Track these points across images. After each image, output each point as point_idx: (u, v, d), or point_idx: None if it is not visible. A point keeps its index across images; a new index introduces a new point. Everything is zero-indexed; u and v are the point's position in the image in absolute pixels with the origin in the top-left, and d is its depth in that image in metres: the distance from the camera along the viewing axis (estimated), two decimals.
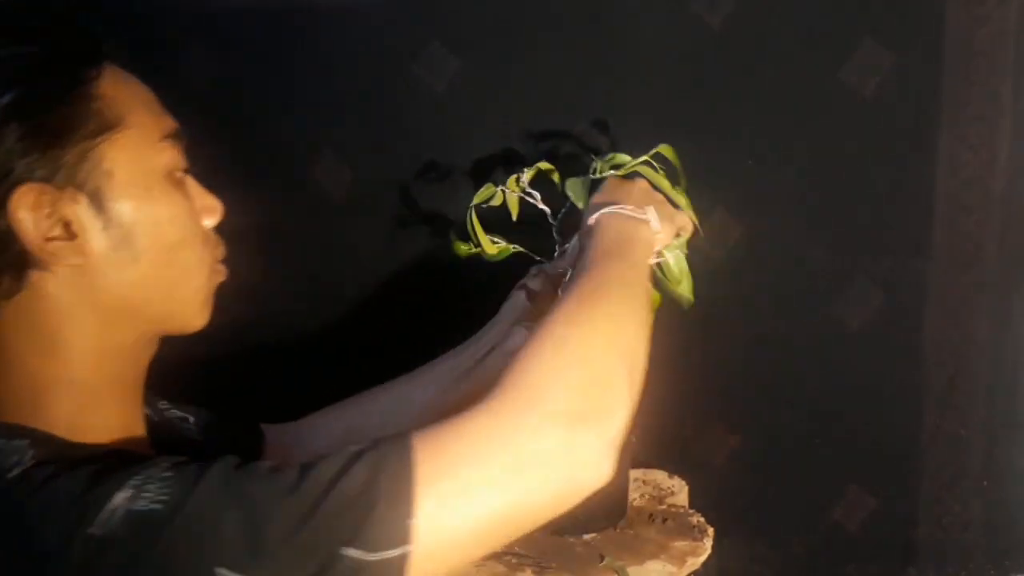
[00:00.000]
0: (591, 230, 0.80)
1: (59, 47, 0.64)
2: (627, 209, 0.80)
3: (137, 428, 0.71)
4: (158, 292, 0.67)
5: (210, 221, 0.72)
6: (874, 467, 1.17)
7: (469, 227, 0.91)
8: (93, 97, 0.64)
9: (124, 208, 0.64)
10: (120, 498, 0.55)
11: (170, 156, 0.67)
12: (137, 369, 0.71)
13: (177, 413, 0.84)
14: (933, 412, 1.14)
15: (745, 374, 1.16)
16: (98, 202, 0.63)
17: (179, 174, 0.69)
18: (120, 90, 0.66)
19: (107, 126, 0.64)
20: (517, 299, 0.92)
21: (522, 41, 1.13)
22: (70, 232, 0.63)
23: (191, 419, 0.84)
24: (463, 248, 0.94)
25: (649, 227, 0.81)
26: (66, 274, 0.63)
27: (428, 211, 1.18)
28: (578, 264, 0.76)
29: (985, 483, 1.15)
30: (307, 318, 1.25)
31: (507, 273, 0.95)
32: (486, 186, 0.92)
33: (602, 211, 0.80)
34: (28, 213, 0.61)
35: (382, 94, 1.17)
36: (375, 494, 0.56)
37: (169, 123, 0.69)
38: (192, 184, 0.71)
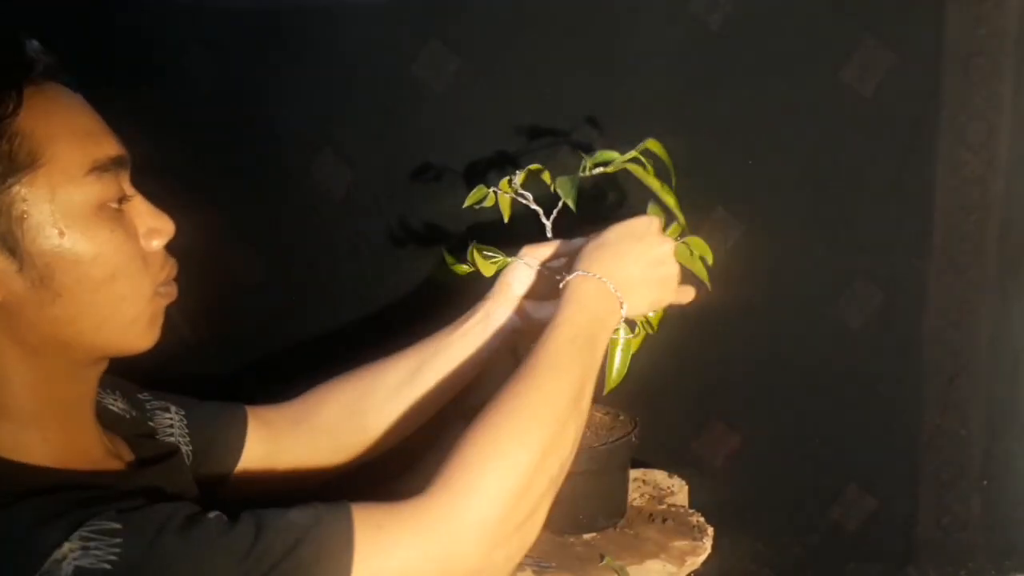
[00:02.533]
0: (564, 290, 0.80)
1: None
2: (602, 279, 0.79)
3: (83, 443, 0.70)
4: (87, 325, 0.65)
5: (157, 243, 0.69)
6: (874, 467, 1.17)
7: (471, 258, 0.92)
8: (5, 136, 0.60)
9: (40, 250, 0.62)
10: (67, 548, 0.55)
11: (98, 189, 0.64)
12: (81, 389, 0.69)
13: (157, 404, 0.83)
14: (933, 412, 1.14)
15: (745, 374, 1.16)
16: (11, 246, 0.61)
17: (114, 204, 0.65)
18: (41, 122, 0.62)
19: (20, 167, 0.60)
20: (505, 281, 0.93)
21: (522, 41, 1.13)
22: None
23: (172, 408, 0.84)
24: (462, 269, 0.94)
25: (619, 308, 0.80)
26: None
27: (427, 211, 1.18)
28: (549, 327, 0.76)
29: (985, 483, 1.15)
30: (307, 317, 1.25)
31: None
32: (478, 188, 0.93)
33: (575, 275, 0.80)
34: None
35: (382, 94, 1.17)
36: (318, 572, 0.59)
37: (104, 151, 0.65)
38: (137, 207, 0.68)
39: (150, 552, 0.56)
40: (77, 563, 0.55)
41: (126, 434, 0.76)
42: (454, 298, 0.95)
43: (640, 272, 0.82)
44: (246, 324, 1.24)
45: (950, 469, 1.16)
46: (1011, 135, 1.06)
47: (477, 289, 0.95)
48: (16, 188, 0.60)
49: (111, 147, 0.66)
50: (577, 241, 0.92)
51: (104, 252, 0.64)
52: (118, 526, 0.56)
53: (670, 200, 0.88)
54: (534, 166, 0.91)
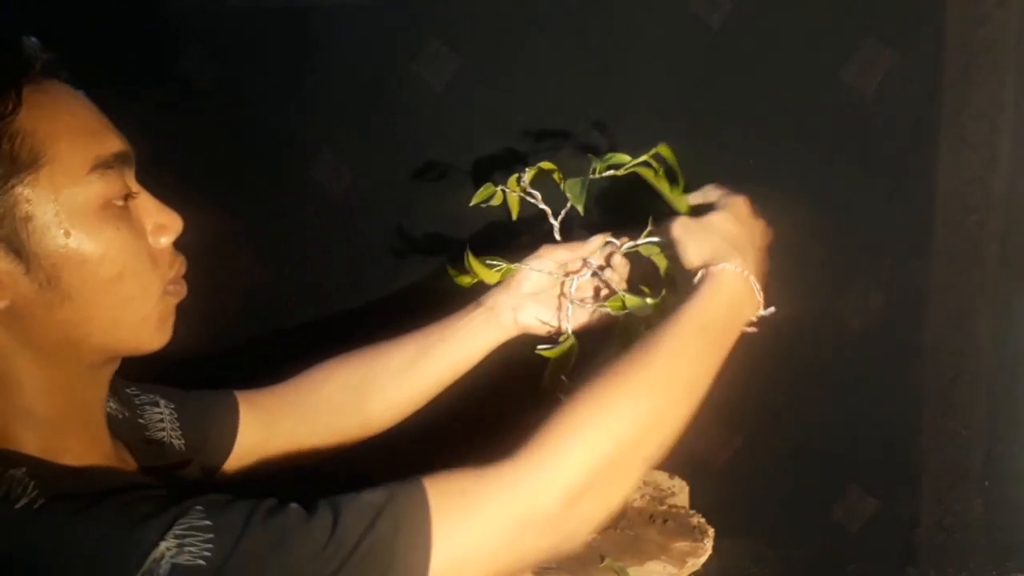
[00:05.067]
0: (704, 280, 0.77)
1: None
2: (751, 278, 0.78)
3: (104, 445, 0.70)
4: (97, 326, 0.64)
5: (165, 239, 0.68)
6: (875, 467, 1.17)
7: (467, 264, 0.91)
8: (5, 136, 0.59)
9: (46, 251, 0.61)
10: (163, 548, 0.56)
11: (101, 187, 0.63)
12: (95, 393, 0.69)
13: (145, 399, 0.82)
14: (934, 412, 1.14)
15: (745, 374, 1.16)
16: (16, 248, 0.60)
17: (119, 202, 0.64)
18: (42, 121, 0.61)
19: (21, 167, 0.59)
20: (516, 278, 0.92)
21: (522, 41, 1.13)
22: None
23: (161, 403, 0.83)
24: (466, 280, 0.93)
25: (756, 302, 0.79)
26: None
27: (428, 211, 1.18)
28: (678, 311, 0.74)
29: (986, 483, 1.15)
30: (306, 316, 1.24)
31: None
32: (485, 186, 0.92)
33: (725, 267, 0.77)
34: None
35: (382, 94, 1.17)
36: (397, 546, 0.60)
37: (106, 147, 0.64)
38: (143, 203, 0.67)
39: (240, 546, 0.57)
40: (174, 561, 0.55)
41: (126, 438, 0.76)
42: (455, 297, 0.95)
43: (754, 258, 0.81)
44: (244, 324, 1.23)
45: (951, 470, 1.15)
46: (1012, 135, 1.06)
47: (478, 290, 0.94)
48: (19, 188, 0.59)
49: (114, 143, 0.65)
50: (593, 242, 0.91)
51: (110, 251, 0.63)
52: (208, 522, 0.57)
53: (681, 205, 0.88)
54: (545, 164, 0.91)
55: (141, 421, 0.80)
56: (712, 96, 1.10)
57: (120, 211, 0.64)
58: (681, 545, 0.99)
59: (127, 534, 0.56)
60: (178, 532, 0.56)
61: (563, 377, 0.93)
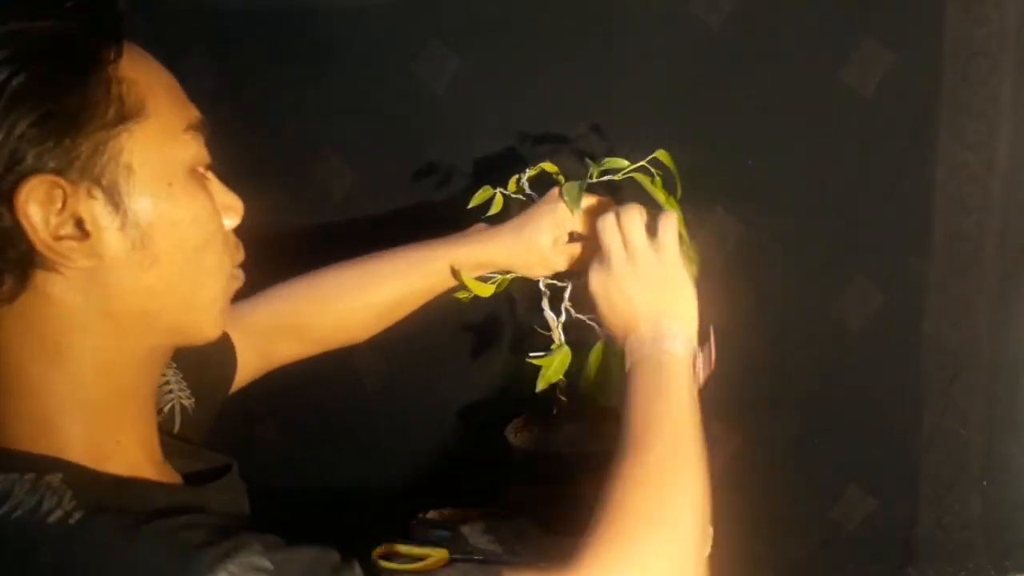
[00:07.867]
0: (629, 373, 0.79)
1: (77, 22, 0.56)
2: (646, 346, 0.78)
3: (155, 447, 0.65)
4: (176, 299, 0.61)
5: (230, 221, 0.65)
6: (874, 467, 1.17)
7: (458, 279, 0.91)
8: (113, 80, 0.56)
9: (144, 206, 0.57)
10: None
11: (194, 150, 0.61)
12: (150, 384, 0.64)
13: None
14: (933, 412, 1.14)
15: (745, 374, 1.16)
16: (115, 199, 0.56)
17: (201, 170, 0.62)
18: (142, 74, 0.58)
19: (128, 114, 0.57)
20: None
21: (522, 41, 1.13)
22: (83, 231, 0.56)
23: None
24: (462, 295, 0.93)
25: (678, 351, 0.79)
26: (76, 277, 0.57)
27: (427, 211, 1.18)
28: (625, 418, 0.75)
29: (985, 483, 1.15)
30: None
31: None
32: (483, 189, 0.92)
33: (631, 364, 0.79)
34: (38, 208, 0.54)
35: (382, 94, 1.17)
36: None
37: (193, 113, 0.62)
38: (213, 181, 0.64)
39: None
40: None
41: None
42: (452, 298, 0.95)
43: (671, 291, 0.81)
44: None
45: (950, 469, 1.16)
46: (1011, 135, 1.06)
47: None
48: (125, 136, 0.57)
49: (196, 111, 0.63)
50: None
51: (201, 215, 0.60)
52: (269, 565, 0.53)
53: (675, 211, 0.87)
54: (546, 165, 0.91)
55: None
56: (712, 96, 1.10)
57: (203, 180, 0.62)
58: None
59: (176, 563, 0.52)
60: (233, 569, 0.52)
61: (562, 377, 0.94)
